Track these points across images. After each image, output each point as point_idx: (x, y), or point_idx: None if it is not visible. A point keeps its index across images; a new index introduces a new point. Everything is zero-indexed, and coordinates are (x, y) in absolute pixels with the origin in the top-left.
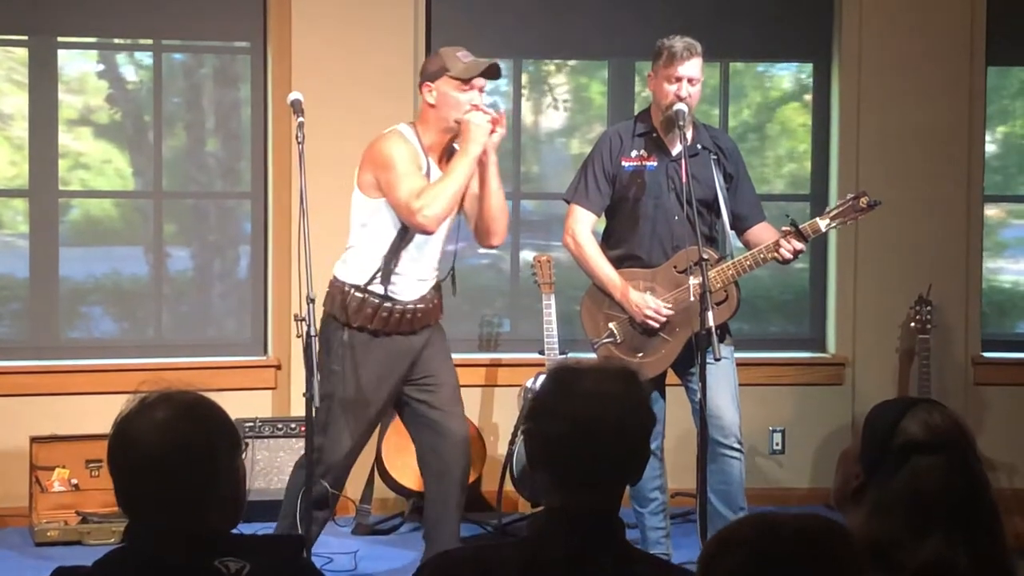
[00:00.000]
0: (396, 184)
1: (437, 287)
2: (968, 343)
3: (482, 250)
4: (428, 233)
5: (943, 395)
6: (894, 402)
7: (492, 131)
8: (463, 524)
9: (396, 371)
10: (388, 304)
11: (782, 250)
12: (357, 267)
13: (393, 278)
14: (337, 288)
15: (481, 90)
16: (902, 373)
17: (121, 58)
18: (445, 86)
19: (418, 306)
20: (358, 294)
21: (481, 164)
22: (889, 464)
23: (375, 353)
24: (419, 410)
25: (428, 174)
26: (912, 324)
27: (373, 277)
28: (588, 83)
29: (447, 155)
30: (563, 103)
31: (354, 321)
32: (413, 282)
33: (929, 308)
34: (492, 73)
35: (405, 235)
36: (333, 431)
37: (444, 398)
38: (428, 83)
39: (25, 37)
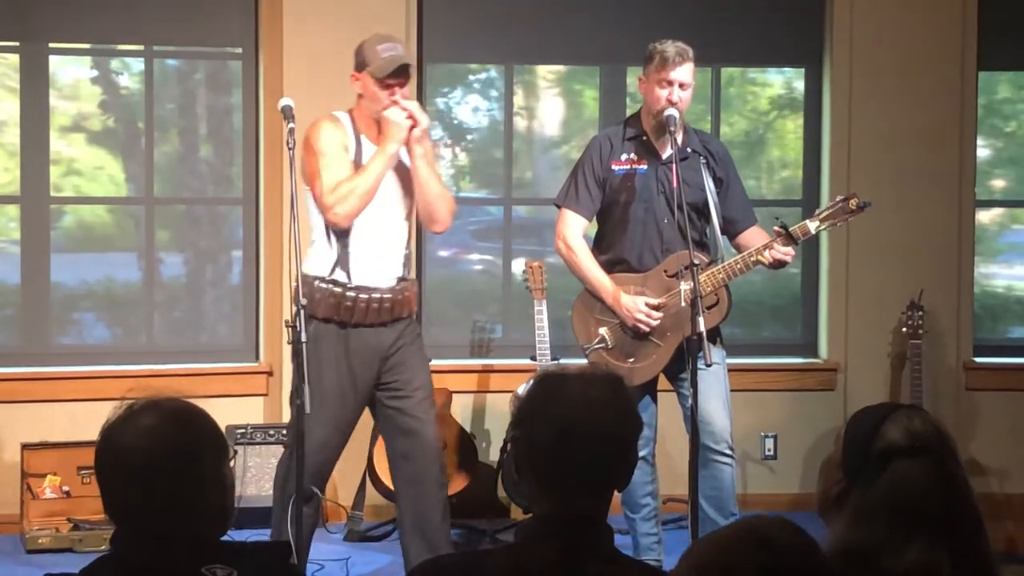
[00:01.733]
0: (317, 175)
1: (408, 277)
2: (960, 348)
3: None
4: (338, 228)
5: (935, 400)
6: (875, 408)
7: (413, 127)
8: (454, 530)
9: (367, 365)
10: (352, 293)
11: (767, 253)
12: (319, 259)
13: (353, 265)
14: (303, 281)
15: (403, 84)
16: (894, 378)
17: (114, 64)
18: (367, 79)
19: (386, 295)
20: (322, 285)
21: (412, 156)
22: (871, 470)
23: (344, 345)
24: (392, 416)
25: (360, 154)
26: (904, 329)
27: (334, 266)
28: (580, 89)
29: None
30: (551, 105)
31: (319, 312)
32: (377, 269)
33: (921, 313)
34: (399, 74)
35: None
36: (305, 423)
37: (417, 404)
38: (355, 74)
39: (16, 43)
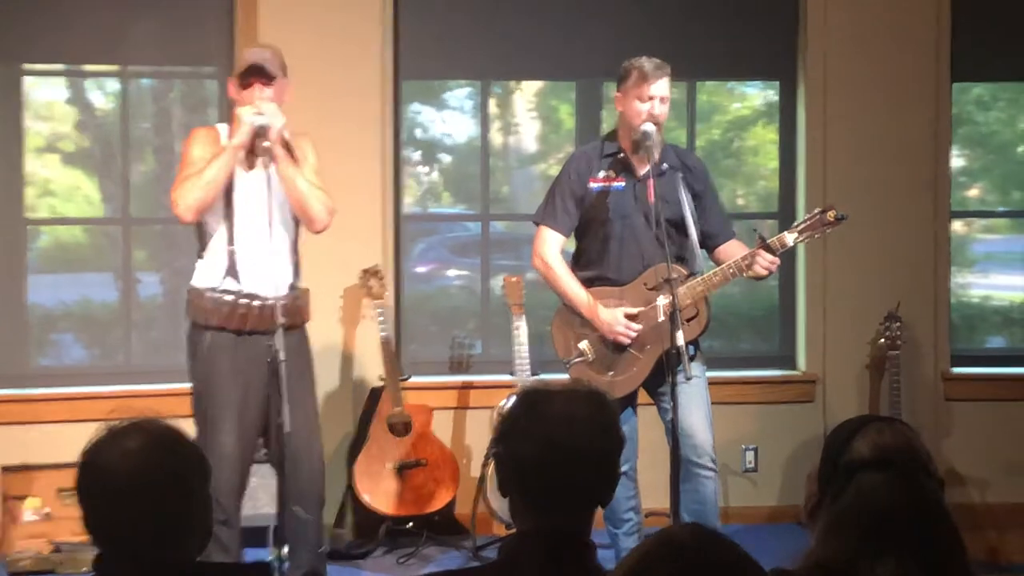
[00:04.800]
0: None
1: (300, 286)
2: (937, 359)
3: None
4: (183, 222)
5: (913, 411)
6: (852, 421)
7: (267, 127)
8: (437, 547)
9: (260, 372)
10: (244, 300)
11: (757, 266)
12: (207, 270)
13: (241, 272)
14: (194, 294)
15: (265, 84)
16: (872, 390)
17: (89, 84)
18: (233, 82)
19: (280, 303)
20: (214, 295)
21: (274, 157)
22: (839, 483)
23: (239, 353)
24: (275, 431)
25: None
26: (882, 341)
27: (224, 276)
28: (557, 104)
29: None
30: (527, 120)
31: (213, 321)
32: (266, 276)
33: (898, 324)
34: (253, 73)
35: (232, 227)
36: (212, 436)
37: (300, 422)
38: (231, 80)
39: None
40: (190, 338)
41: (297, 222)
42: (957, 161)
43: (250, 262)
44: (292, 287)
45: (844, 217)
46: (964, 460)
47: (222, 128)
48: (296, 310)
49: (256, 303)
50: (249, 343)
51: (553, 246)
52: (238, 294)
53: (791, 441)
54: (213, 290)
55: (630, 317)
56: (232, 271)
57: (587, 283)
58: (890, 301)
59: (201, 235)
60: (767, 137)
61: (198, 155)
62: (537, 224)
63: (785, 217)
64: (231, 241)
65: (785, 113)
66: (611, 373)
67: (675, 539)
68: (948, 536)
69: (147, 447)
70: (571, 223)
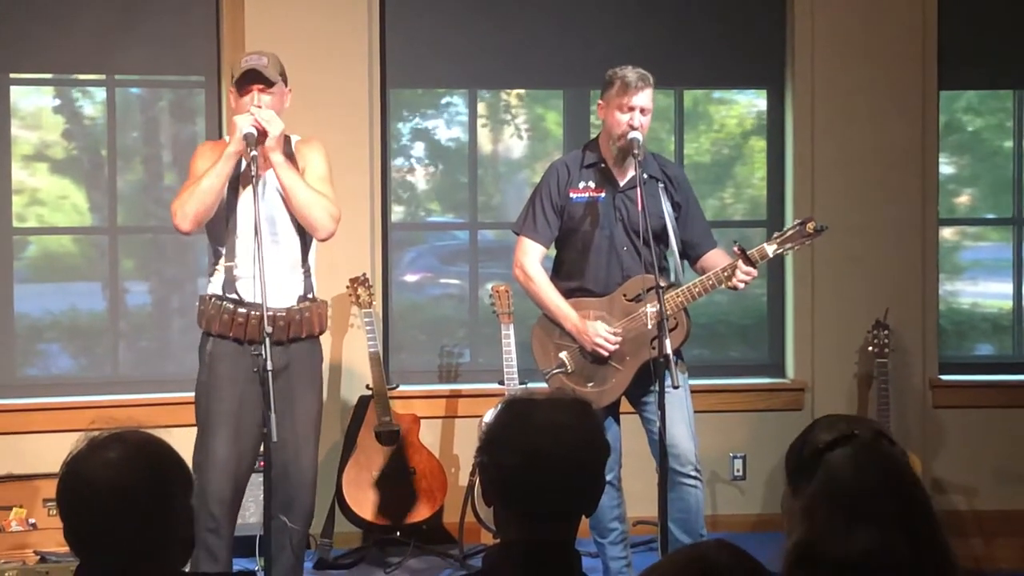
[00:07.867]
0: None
1: (312, 298)
2: (926, 366)
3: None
4: (182, 233)
5: (902, 418)
6: (809, 425)
7: (262, 131)
8: (424, 556)
9: (256, 383)
10: (244, 310)
11: (735, 280)
12: (214, 279)
13: (240, 283)
14: (201, 301)
15: (263, 91)
16: (861, 397)
17: (77, 93)
18: (231, 91)
19: (280, 314)
20: (217, 302)
21: (271, 165)
22: (807, 472)
23: (240, 362)
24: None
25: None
26: (870, 348)
27: (225, 285)
28: (544, 112)
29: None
30: (524, 131)
31: (214, 328)
32: (269, 287)
33: (887, 332)
34: (250, 79)
35: (233, 240)
36: (205, 442)
37: (299, 432)
38: (230, 88)
39: None
40: (200, 345)
41: (303, 233)
42: (946, 168)
43: (251, 276)
44: (302, 298)
45: (824, 228)
46: (952, 467)
47: (228, 140)
48: (303, 322)
49: (255, 313)
50: (249, 350)
51: (533, 257)
52: (238, 303)
53: (779, 449)
54: (218, 297)
55: (611, 331)
56: (230, 282)
57: (567, 294)
58: (878, 309)
59: (210, 247)
60: (755, 145)
61: (201, 168)
62: (517, 234)
63: (773, 225)
64: (231, 256)
65: (773, 121)
66: (591, 384)
67: (707, 558)
68: (918, 498)
69: (128, 457)
70: (551, 234)
